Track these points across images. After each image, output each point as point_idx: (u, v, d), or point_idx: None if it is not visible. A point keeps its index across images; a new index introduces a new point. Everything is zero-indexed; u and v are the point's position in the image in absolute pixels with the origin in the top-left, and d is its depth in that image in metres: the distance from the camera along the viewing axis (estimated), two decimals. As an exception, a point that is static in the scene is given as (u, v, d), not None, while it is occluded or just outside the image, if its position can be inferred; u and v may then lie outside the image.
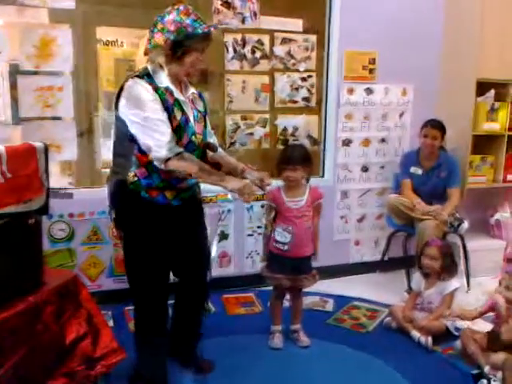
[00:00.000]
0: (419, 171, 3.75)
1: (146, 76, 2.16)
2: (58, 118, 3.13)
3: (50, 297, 2.11)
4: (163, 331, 2.45)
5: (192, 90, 2.35)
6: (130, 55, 3.72)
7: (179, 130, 2.19)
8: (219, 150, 2.49)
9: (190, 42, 2.13)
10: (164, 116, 2.12)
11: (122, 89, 2.16)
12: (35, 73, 3.04)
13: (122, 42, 3.68)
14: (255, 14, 3.57)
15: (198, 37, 2.14)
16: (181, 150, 2.11)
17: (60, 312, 2.13)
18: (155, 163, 2.12)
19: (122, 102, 2.14)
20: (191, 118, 2.28)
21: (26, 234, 2.14)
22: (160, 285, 2.35)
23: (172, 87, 2.19)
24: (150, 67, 2.19)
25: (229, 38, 3.56)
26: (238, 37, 3.57)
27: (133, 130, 2.12)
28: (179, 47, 2.14)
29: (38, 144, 2.22)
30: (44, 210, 2.27)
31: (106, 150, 3.41)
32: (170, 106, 2.16)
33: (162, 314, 2.41)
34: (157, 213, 2.25)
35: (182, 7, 2.14)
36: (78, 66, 3.19)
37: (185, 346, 2.64)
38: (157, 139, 2.07)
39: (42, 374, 2.01)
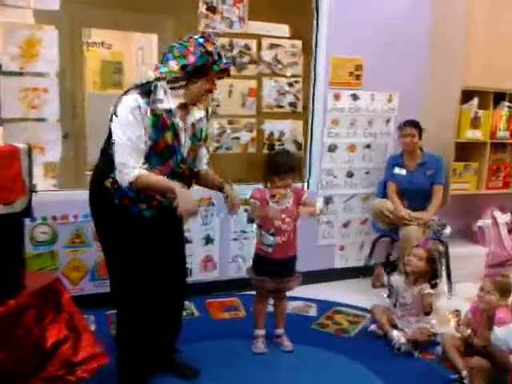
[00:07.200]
0: (403, 171, 3.78)
1: (149, 94, 2.14)
2: (43, 120, 3.10)
3: (31, 300, 2.07)
4: (146, 336, 2.43)
5: (199, 115, 2.34)
6: (116, 57, 3.71)
7: (164, 154, 2.20)
8: (205, 167, 2.50)
9: (205, 71, 2.15)
10: (143, 144, 2.12)
11: (121, 99, 2.15)
12: (20, 74, 3.01)
13: (108, 44, 3.66)
14: (242, 19, 3.58)
15: (214, 70, 2.16)
16: (140, 173, 2.11)
17: (41, 316, 2.10)
18: (120, 183, 2.14)
19: (115, 115, 2.13)
20: (183, 146, 2.27)
21: (8, 236, 2.11)
22: (143, 287, 2.33)
23: (176, 110, 2.19)
24: (159, 86, 2.16)
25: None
26: (226, 41, 3.57)
27: (113, 146, 2.14)
28: (193, 77, 2.15)
29: (22, 145, 2.19)
30: (27, 212, 2.23)
31: (90, 153, 3.38)
32: (161, 129, 2.16)
33: (145, 317, 2.39)
34: (128, 220, 2.26)
35: (201, 39, 2.14)
36: (63, 68, 3.16)
37: (164, 348, 2.61)
38: (127, 164, 2.10)
39: (20, 379, 1.98)
